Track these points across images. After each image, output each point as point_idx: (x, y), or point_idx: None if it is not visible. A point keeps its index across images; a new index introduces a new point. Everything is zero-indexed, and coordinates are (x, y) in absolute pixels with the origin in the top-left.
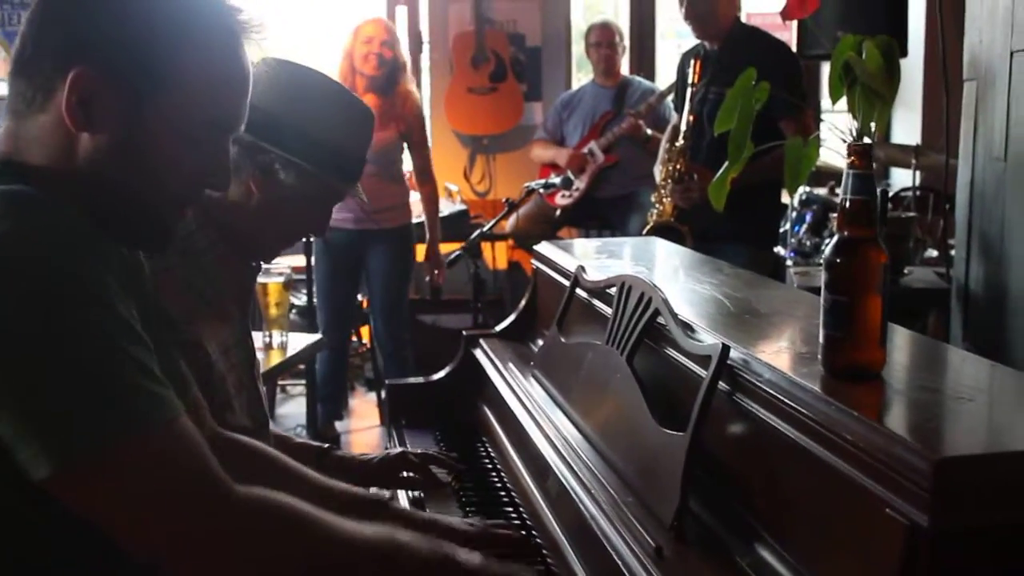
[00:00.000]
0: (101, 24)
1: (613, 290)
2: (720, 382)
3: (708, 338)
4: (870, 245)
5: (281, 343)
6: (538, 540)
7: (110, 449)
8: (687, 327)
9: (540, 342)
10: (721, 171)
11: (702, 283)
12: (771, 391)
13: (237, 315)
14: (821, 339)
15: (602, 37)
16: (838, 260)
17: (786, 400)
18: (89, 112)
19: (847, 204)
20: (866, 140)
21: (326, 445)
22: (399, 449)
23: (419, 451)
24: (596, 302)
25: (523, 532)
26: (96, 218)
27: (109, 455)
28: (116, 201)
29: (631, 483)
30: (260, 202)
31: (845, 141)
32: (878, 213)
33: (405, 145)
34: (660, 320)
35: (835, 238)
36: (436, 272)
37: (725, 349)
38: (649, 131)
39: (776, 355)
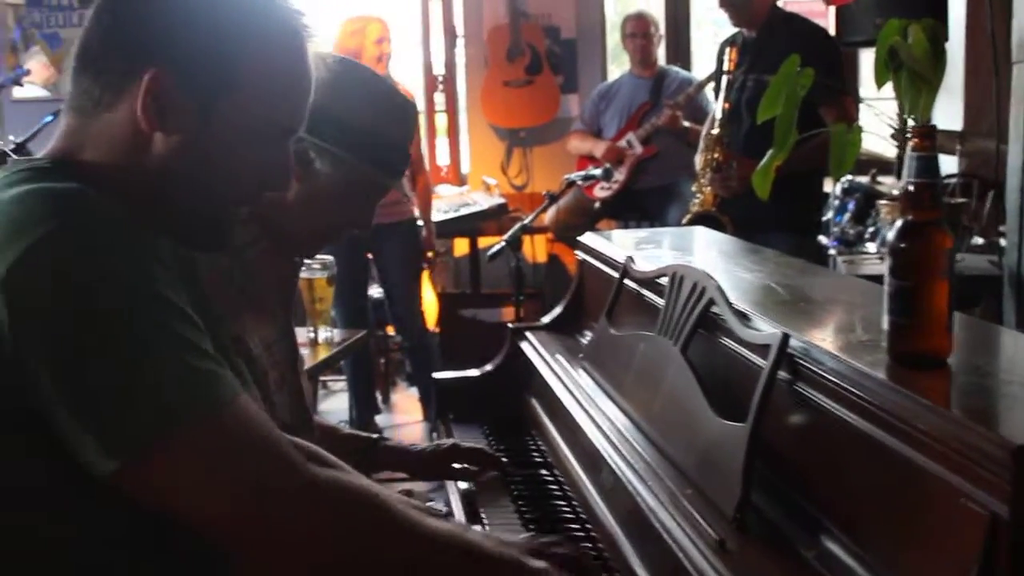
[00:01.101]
0: (176, 25)
1: (664, 280)
2: (779, 371)
3: (765, 327)
4: (935, 228)
5: (327, 338)
6: (592, 533)
7: (176, 435)
8: (743, 316)
9: (588, 334)
10: (766, 158)
11: (752, 271)
12: (835, 380)
13: (280, 311)
14: (885, 326)
15: (637, 28)
16: (903, 245)
17: (852, 389)
18: (162, 112)
19: (911, 187)
20: (922, 123)
21: (375, 436)
22: (450, 440)
23: (468, 444)
24: (646, 292)
25: (581, 549)
26: (153, 217)
27: (176, 441)
28: (178, 201)
29: (689, 475)
30: (299, 194)
31: (892, 127)
32: (942, 196)
33: None
34: (715, 309)
35: (899, 222)
36: (430, 258)
37: (785, 338)
38: (687, 123)
39: (837, 343)
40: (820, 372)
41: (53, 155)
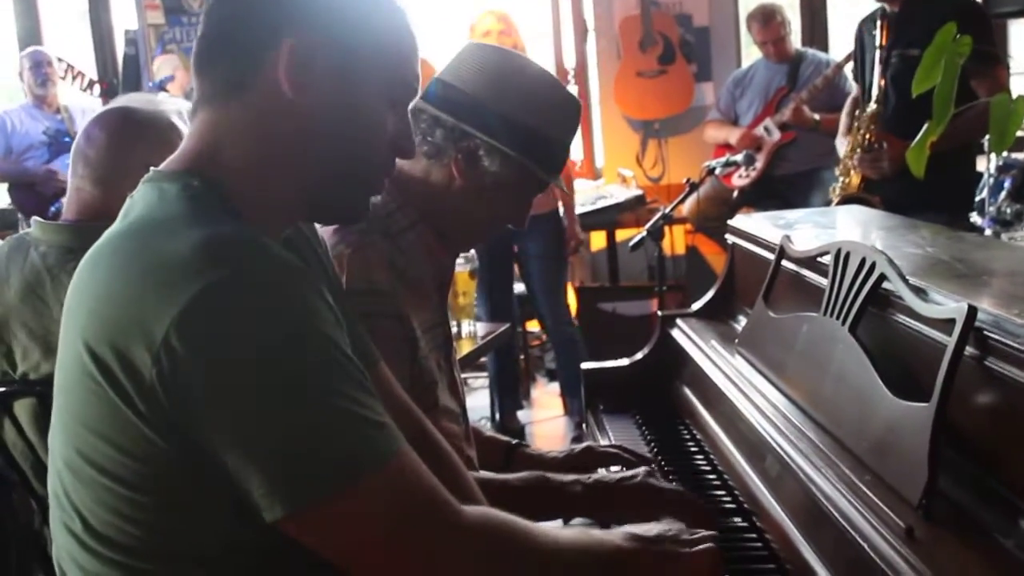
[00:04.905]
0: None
1: (826, 259)
2: (966, 346)
3: (946, 301)
4: None
5: (471, 332)
6: (758, 524)
7: (346, 488)
8: (920, 291)
9: (741, 319)
10: (921, 134)
11: (920, 247)
12: None
13: (436, 298)
14: None
15: (767, 36)
16: None
17: None
18: (305, 76)
19: None
20: None
21: (515, 441)
22: (584, 444)
23: (604, 444)
24: (806, 272)
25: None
26: (296, 199)
27: (345, 494)
28: (318, 170)
29: (865, 460)
30: (462, 188)
31: None
32: None
33: None
34: (886, 285)
35: None
36: (572, 244)
37: (972, 310)
38: (816, 116)
39: None
40: (1015, 345)
41: (191, 161)
